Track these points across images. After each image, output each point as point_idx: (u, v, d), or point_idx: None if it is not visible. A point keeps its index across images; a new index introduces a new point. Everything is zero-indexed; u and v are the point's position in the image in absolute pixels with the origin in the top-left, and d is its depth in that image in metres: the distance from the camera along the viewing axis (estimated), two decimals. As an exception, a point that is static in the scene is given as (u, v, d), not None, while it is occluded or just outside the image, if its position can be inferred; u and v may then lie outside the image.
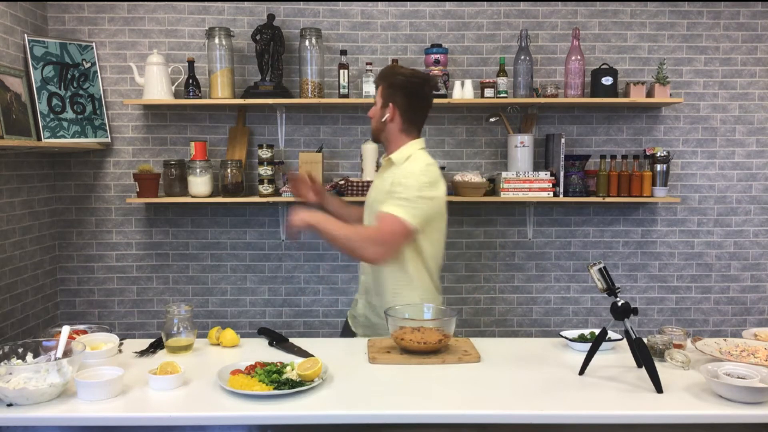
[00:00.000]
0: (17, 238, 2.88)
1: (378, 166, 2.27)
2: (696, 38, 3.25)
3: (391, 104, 2.16)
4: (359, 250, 2.04)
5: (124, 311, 3.29)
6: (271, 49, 3.04)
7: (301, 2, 3.18)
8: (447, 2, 3.21)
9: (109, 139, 3.17)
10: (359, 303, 2.34)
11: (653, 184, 3.11)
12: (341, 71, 3.06)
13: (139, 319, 3.29)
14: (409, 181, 2.06)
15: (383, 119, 2.18)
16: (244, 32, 3.18)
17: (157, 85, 2.98)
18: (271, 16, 3.05)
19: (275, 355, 1.89)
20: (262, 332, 2.09)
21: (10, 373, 1.57)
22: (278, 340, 2.04)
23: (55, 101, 2.93)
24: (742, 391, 1.55)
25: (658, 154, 3.10)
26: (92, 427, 1.55)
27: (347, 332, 2.40)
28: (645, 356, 1.68)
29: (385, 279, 2.18)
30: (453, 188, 3.14)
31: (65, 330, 1.73)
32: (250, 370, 1.69)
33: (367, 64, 3.11)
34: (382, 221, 2.04)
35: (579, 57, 3.05)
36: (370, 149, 3.03)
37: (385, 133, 2.20)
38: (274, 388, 1.60)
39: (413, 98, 2.17)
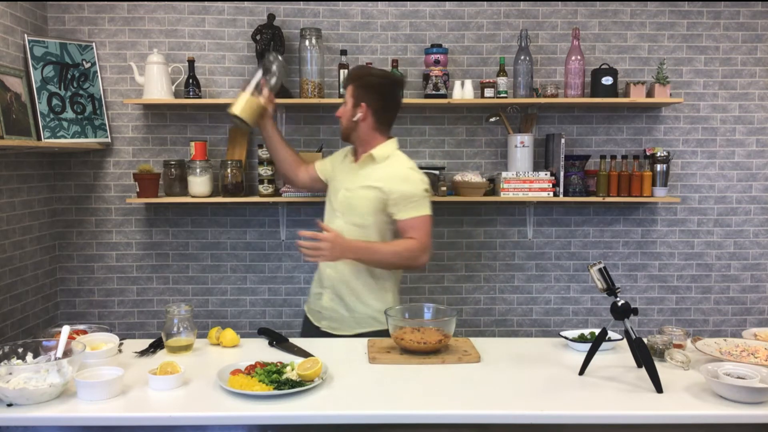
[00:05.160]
0: (17, 238, 2.88)
1: (345, 158, 2.43)
2: (696, 38, 3.25)
3: (363, 104, 2.25)
4: (415, 260, 2.20)
5: (124, 311, 3.29)
6: (271, 49, 3.03)
7: (301, 2, 3.18)
8: (447, 2, 3.21)
9: (109, 139, 3.17)
10: (324, 296, 2.34)
11: (653, 184, 3.11)
12: (341, 71, 3.06)
13: (139, 319, 3.29)
14: (411, 187, 2.21)
15: (354, 119, 2.27)
16: (244, 32, 3.18)
17: (157, 84, 2.98)
18: (271, 16, 3.06)
19: (275, 355, 1.89)
20: (262, 332, 2.09)
21: (10, 373, 1.57)
22: (278, 340, 2.04)
23: (55, 101, 2.93)
24: (742, 391, 1.55)
25: (658, 154, 3.10)
26: (92, 427, 1.55)
27: (309, 327, 2.42)
28: (645, 356, 1.68)
29: (361, 274, 2.26)
30: (453, 188, 3.14)
31: (65, 330, 1.73)
32: (250, 370, 1.69)
33: (367, 64, 3.10)
34: (419, 227, 2.19)
35: (579, 57, 3.05)
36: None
37: (357, 132, 2.30)
38: (274, 388, 1.60)
39: (385, 99, 2.29)
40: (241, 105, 2.37)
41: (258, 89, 2.39)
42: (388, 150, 2.29)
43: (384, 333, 2.22)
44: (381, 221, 2.23)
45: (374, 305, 2.25)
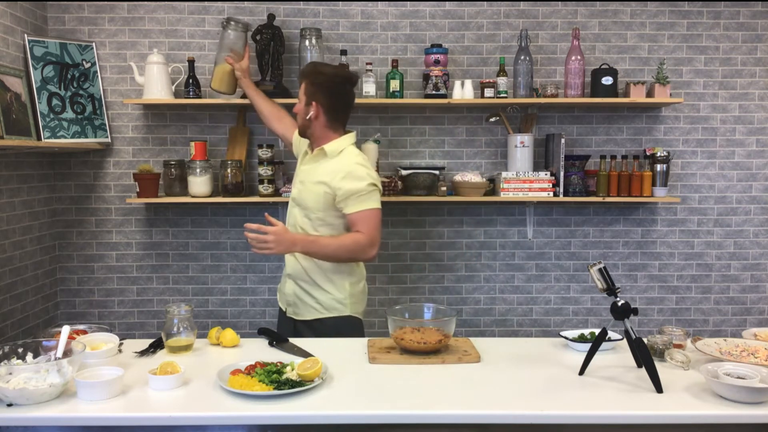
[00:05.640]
0: (17, 238, 2.88)
1: (306, 154, 2.43)
2: (696, 38, 3.25)
3: (314, 102, 2.26)
4: (362, 253, 2.22)
5: (124, 311, 3.29)
6: (271, 49, 3.04)
7: (301, 2, 3.18)
8: (447, 2, 3.21)
9: (109, 139, 3.17)
10: (288, 282, 2.39)
11: (653, 184, 3.11)
12: (341, 71, 3.05)
13: (139, 319, 3.29)
14: (356, 181, 2.20)
15: (308, 117, 2.28)
16: (244, 32, 3.17)
17: (157, 84, 2.98)
18: (271, 16, 3.06)
19: (275, 355, 1.89)
20: (262, 332, 2.09)
21: (10, 373, 1.57)
22: (278, 340, 2.04)
23: (55, 101, 2.93)
24: (742, 391, 1.55)
25: (658, 154, 3.10)
26: (92, 427, 1.55)
27: (281, 311, 2.47)
28: (645, 356, 1.68)
29: (319, 265, 2.28)
30: (453, 188, 3.14)
31: (65, 330, 1.73)
32: (250, 370, 1.69)
33: (367, 64, 3.11)
34: (367, 221, 2.20)
35: (579, 57, 3.05)
36: (371, 149, 3.03)
37: (311, 129, 2.31)
38: (274, 388, 1.60)
39: (335, 96, 2.28)
40: (213, 77, 2.90)
41: (223, 58, 2.86)
42: (340, 145, 2.29)
43: (342, 320, 2.28)
44: (331, 215, 2.26)
45: (332, 292, 2.29)
